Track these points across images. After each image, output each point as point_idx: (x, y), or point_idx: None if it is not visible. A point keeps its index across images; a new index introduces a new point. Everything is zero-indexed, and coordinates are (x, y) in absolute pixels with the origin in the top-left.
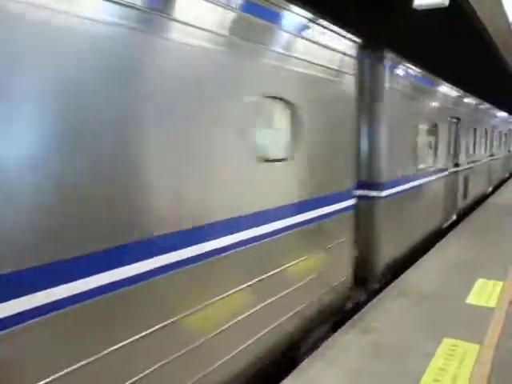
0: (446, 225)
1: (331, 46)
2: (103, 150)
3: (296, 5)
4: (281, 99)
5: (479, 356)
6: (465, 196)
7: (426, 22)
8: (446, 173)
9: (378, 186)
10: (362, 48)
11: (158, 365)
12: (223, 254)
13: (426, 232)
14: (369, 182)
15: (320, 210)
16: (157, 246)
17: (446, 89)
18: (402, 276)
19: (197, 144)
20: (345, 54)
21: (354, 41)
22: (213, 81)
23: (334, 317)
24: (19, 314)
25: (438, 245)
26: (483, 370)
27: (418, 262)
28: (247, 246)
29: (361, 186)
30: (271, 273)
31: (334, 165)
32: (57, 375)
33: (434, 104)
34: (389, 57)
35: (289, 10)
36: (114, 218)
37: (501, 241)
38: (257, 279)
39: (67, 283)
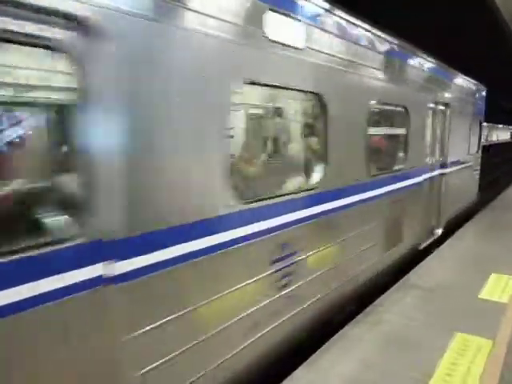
0: None
1: None
2: None
3: None
4: None
5: (492, 351)
6: None
7: (437, 10)
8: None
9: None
10: None
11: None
12: None
13: None
14: None
15: None
16: None
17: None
18: (414, 269)
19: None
20: None
21: None
22: None
23: None
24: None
25: (450, 239)
26: (496, 365)
27: (431, 255)
28: None
29: None
30: None
31: None
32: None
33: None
34: None
35: None
36: None
37: None
38: None
39: None
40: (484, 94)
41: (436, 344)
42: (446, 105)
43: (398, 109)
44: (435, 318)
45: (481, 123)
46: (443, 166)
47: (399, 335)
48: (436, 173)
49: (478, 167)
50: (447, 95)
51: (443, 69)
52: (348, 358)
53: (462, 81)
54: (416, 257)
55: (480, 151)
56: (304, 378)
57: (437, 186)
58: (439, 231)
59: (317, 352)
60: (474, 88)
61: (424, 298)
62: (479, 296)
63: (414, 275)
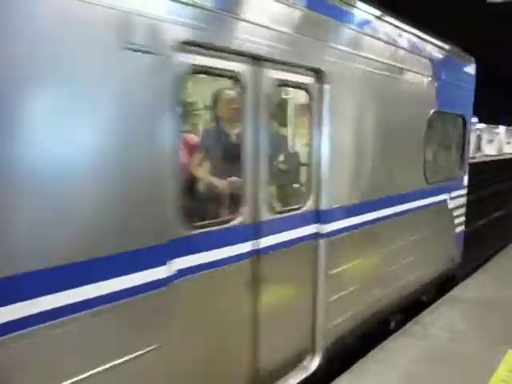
0: None
1: None
2: None
3: None
4: None
5: None
6: None
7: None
8: None
9: None
10: None
11: None
12: None
13: None
14: None
15: None
16: None
17: None
18: (462, 283)
19: None
20: None
21: None
22: None
23: None
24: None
25: (499, 255)
26: None
27: (479, 270)
28: None
29: None
30: None
31: None
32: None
33: None
34: None
35: None
36: None
37: None
38: None
39: None
40: (472, 70)
41: (485, 360)
42: (317, 73)
43: None
44: (484, 332)
45: (465, 122)
46: (320, 217)
47: (445, 350)
48: (291, 236)
49: (461, 206)
50: (320, 50)
51: None
52: (390, 370)
53: (393, 31)
54: None
55: (466, 176)
56: None
57: (303, 265)
58: (315, 362)
59: (359, 362)
60: (440, 54)
61: (471, 312)
62: None
63: (461, 290)
